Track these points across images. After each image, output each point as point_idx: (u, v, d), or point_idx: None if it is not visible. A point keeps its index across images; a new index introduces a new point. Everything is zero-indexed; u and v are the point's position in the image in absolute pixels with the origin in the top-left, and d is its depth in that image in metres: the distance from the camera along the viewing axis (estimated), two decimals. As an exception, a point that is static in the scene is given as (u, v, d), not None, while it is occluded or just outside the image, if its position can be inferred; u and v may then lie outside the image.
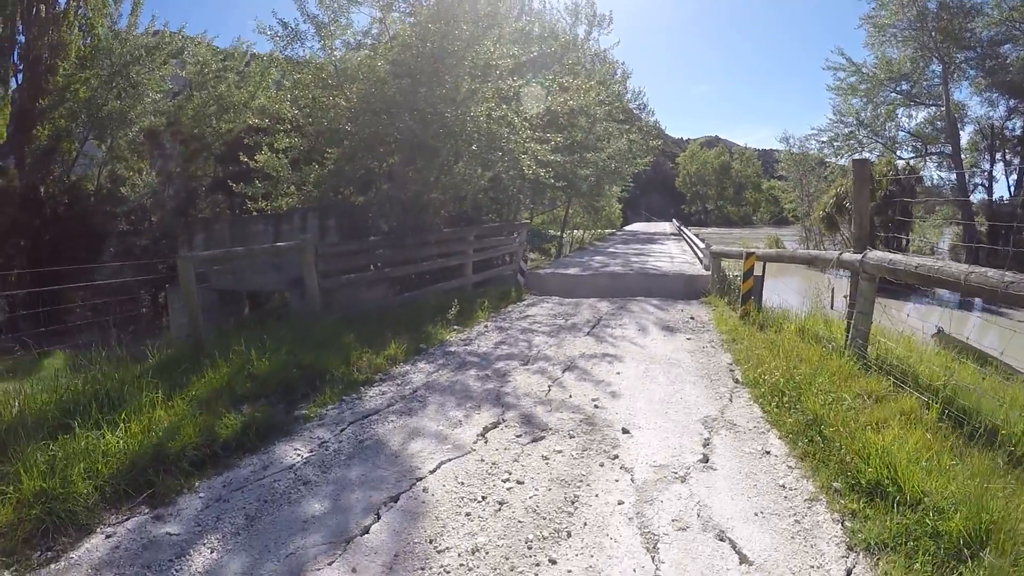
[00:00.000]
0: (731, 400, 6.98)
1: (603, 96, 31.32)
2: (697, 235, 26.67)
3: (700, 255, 19.64)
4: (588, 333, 10.49)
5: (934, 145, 42.20)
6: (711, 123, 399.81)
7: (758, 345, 9.00)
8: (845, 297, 8.67)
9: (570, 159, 28.65)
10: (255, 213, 18.75)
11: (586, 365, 8.45)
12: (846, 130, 42.96)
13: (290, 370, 7.30)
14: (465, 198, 14.50)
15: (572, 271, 16.82)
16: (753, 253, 11.29)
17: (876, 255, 7.20)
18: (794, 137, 48.09)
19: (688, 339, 10.10)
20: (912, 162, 40.34)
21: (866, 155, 42.49)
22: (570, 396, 7.05)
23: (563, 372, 8.10)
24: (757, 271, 11.38)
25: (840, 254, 8.24)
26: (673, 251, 25.47)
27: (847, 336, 7.98)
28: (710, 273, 14.85)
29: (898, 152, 41.51)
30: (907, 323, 9.63)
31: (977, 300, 32.99)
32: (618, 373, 8.05)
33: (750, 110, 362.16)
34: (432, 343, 10.00)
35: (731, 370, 8.29)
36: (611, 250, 27.24)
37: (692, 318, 11.82)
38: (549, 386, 7.45)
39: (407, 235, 13.55)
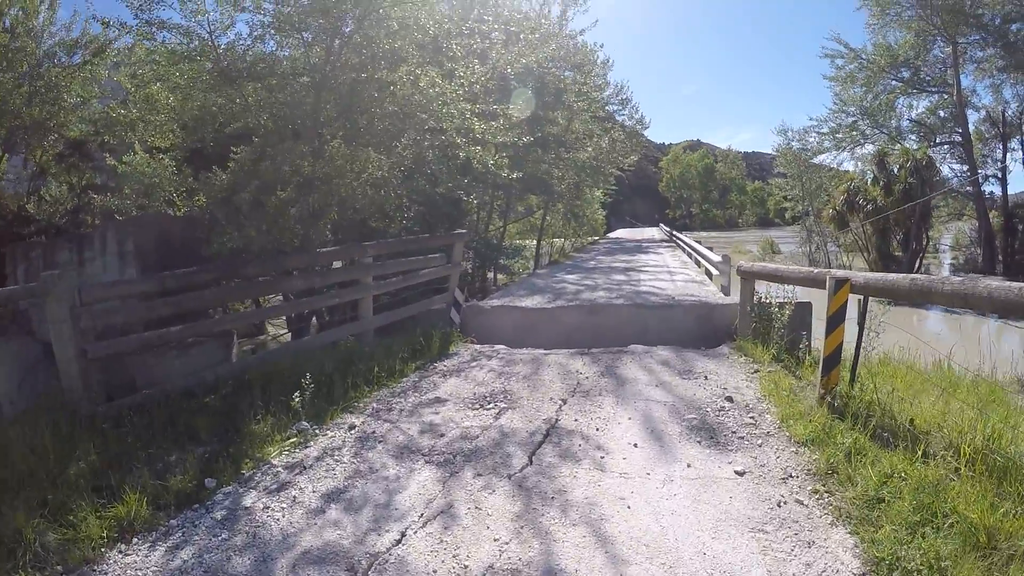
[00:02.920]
0: None
1: (581, 83, 26.15)
2: (699, 241, 20.85)
3: (712, 268, 14.00)
4: (527, 467, 4.95)
5: (940, 134, 37.13)
6: (693, 127, 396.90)
7: (904, 508, 3.88)
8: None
9: (543, 155, 23.55)
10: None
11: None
12: (849, 120, 37.59)
13: None
14: (350, 200, 8.83)
15: (533, 301, 11.26)
16: (847, 281, 5.72)
17: None
18: (792, 129, 42.63)
19: (739, 473, 4.67)
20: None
21: (869, 147, 37.37)
22: None
23: None
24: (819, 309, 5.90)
25: None
26: (670, 263, 19.45)
27: None
28: (738, 302, 9.27)
29: (903, 143, 36.08)
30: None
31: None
32: None
33: (732, 113, 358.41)
34: (234, 474, 5.07)
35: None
36: (592, 264, 21.34)
37: (730, 399, 6.28)
38: None
39: (250, 262, 7.98)
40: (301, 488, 4.68)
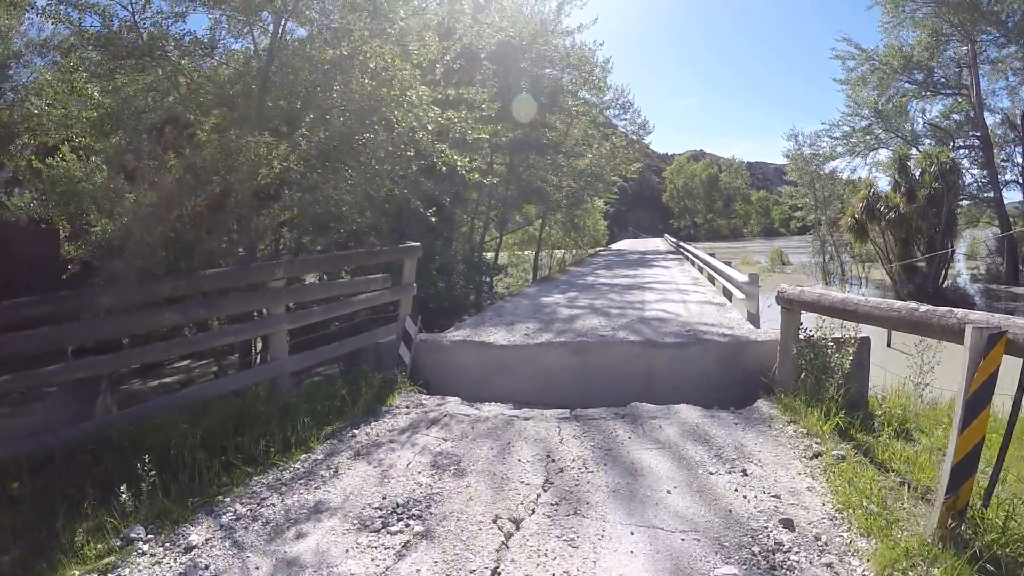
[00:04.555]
0: None
1: (579, 84, 23.88)
2: (712, 254, 17.98)
3: (735, 290, 11.26)
4: None
5: (957, 138, 34.81)
6: (695, 138, 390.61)
7: None
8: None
9: (539, 160, 21.20)
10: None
11: None
12: (862, 123, 35.11)
13: None
14: (246, 204, 6.39)
15: (507, 334, 8.46)
16: (1003, 335, 3.19)
17: None
18: (803, 134, 39.87)
19: None
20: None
21: (884, 153, 35.02)
22: None
23: None
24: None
25: None
26: (679, 280, 16.34)
27: None
28: (775, 338, 6.76)
29: (919, 147, 33.61)
30: None
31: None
32: None
33: (733, 123, 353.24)
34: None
35: None
36: (589, 279, 17.87)
37: (789, 525, 3.77)
38: None
39: (104, 290, 5.62)
40: None
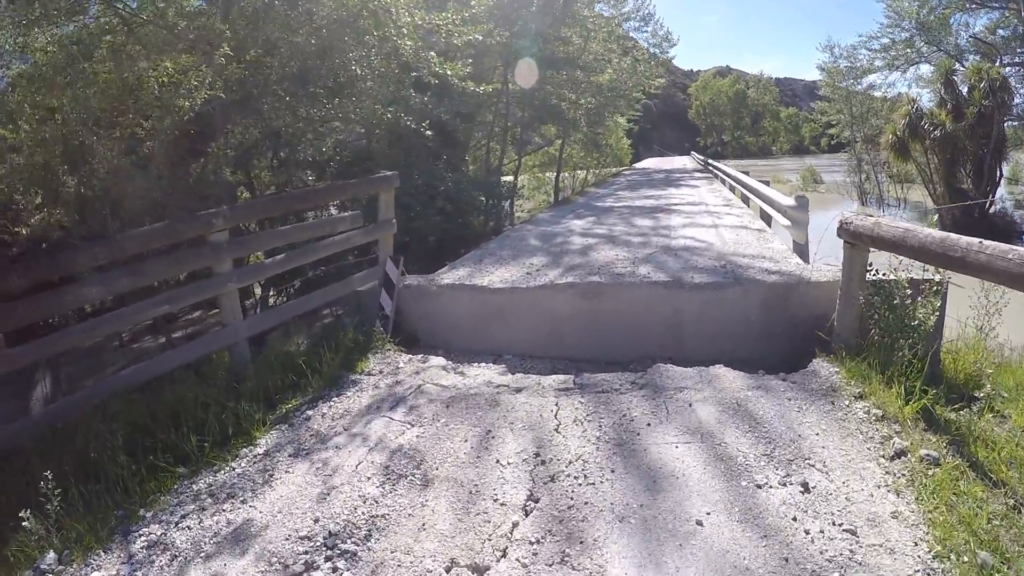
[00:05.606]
0: None
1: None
2: (746, 172, 16.18)
3: (774, 213, 9.63)
4: None
5: (1006, 54, 32.08)
6: (721, 54, 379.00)
7: None
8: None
9: (555, 76, 19.59)
10: None
11: None
12: (903, 35, 32.46)
13: None
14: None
15: (505, 275, 6.92)
16: None
17: None
18: (839, 46, 36.94)
19: None
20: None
21: (925, 67, 32.54)
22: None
23: None
24: None
25: None
26: (709, 201, 14.40)
27: None
28: (832, 279, 5.44)
29: (963, 63, 31.08)
30: None
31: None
32: None
33: (760, 40, 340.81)
34: None
35: None
36: (610, 201, 15.95)
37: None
38: None
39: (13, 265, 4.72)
40: None
